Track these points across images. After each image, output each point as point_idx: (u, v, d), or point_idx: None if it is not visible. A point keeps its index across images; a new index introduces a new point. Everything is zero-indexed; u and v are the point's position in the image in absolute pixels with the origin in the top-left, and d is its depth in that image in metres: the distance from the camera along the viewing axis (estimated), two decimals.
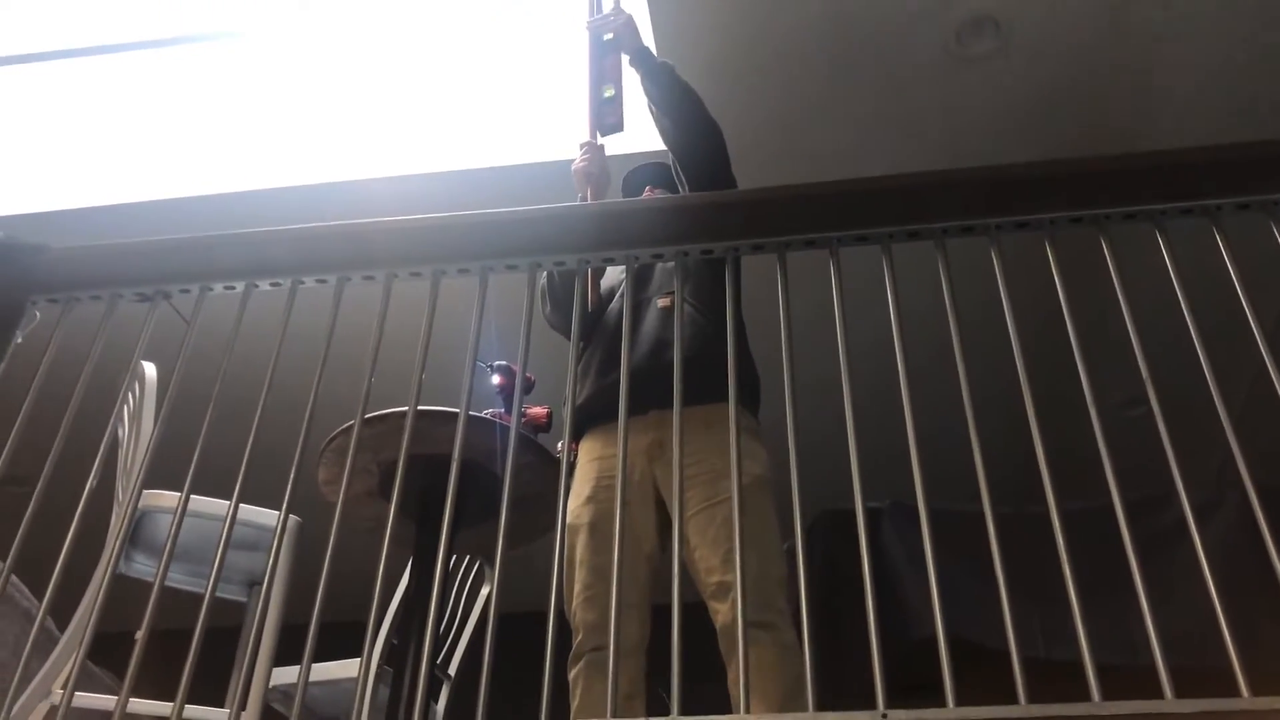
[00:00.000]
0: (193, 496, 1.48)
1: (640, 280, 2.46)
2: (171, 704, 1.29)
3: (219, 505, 1.60)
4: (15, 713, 1.94)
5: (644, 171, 2.74)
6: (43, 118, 3.93)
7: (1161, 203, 1.47)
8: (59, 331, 1.60)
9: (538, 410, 2.57)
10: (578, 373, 2.39)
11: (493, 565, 1.43)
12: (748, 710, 1.23)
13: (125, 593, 1.66)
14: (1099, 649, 1.16)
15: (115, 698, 1.33)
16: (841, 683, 2.15)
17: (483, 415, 2.45)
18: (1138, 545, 1.23)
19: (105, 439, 1.57)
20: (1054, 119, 3.70)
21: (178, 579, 2.37)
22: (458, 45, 3.64)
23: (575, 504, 2.27)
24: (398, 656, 2.41)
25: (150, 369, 2.24)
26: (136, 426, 2.24)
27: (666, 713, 1.19)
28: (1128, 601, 1.18)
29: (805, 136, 3.81)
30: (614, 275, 2.58)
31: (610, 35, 2.59)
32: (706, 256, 1.61)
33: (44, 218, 3.99)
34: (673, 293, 2.04)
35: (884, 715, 1.13)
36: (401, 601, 2.76)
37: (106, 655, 2.09)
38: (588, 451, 2.34)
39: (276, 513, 1.44)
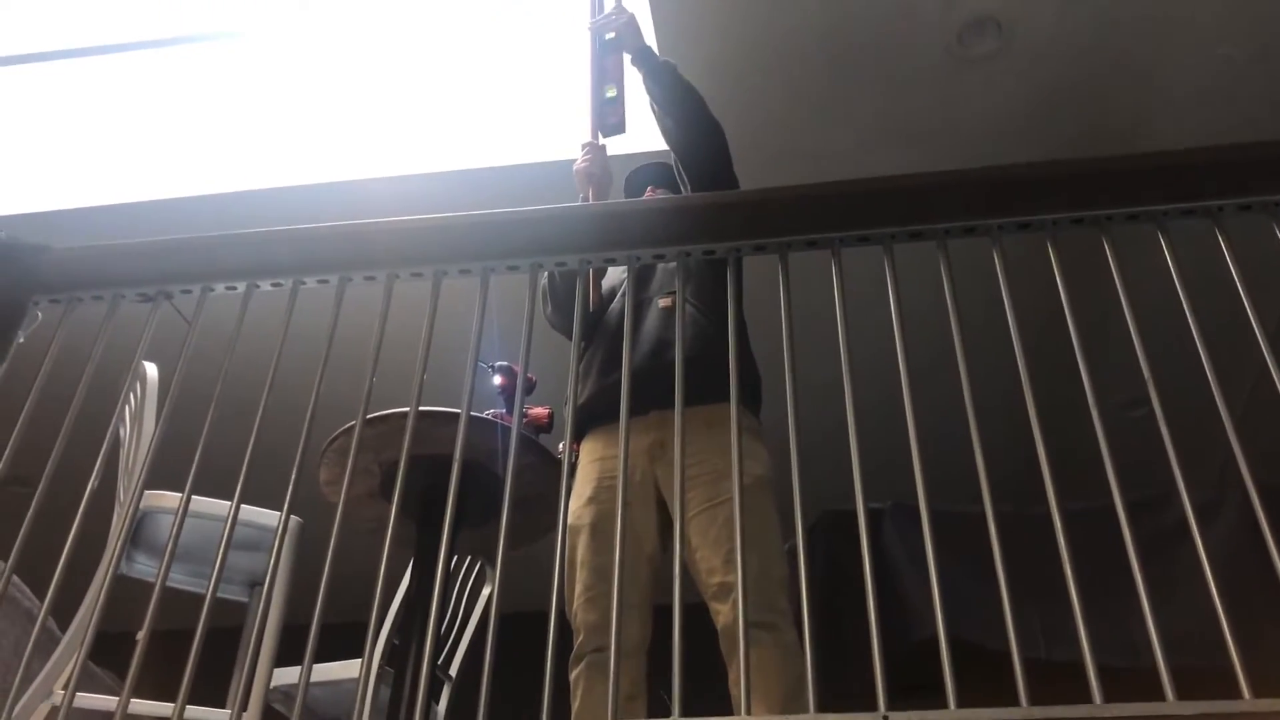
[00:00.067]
0: (194, 497, 1.48)
1: (641, 280, 2.46)
2: (173, 704, 1.29)
3: (220, 506, 1.60)
4: (17, 713, 1.94)
5: (646, 172, 2.74)
6: (44, 118, 3.93)
7: (1163, 203, 1.47)
8: (61, 332, 1.60)
9: (539, 411, 2.57)
10: (579, 373, 2.39)
11: (494, 566, 1.43)
12: (749, 711, 1.23)
13: (126, 593, 1.67)
14: (1100, 650, 1.16)
15: (116, 698, 1.33)
16: (842, 683, 2.15)
17: (484, 416, 2.45)
18: (1139, 546, 1.23)
19: (107, 439, 1.57)
20: (1055, 119, 3.70)
21: (179, 579, 2.37)
22: (458, 45, 3.64)
23: (576, 505, 2.27)
24: (399, 657, 2.41)
25: (152, 369, 2.24)
26: (138, 427, 2.24)
27: (668, 714, 1.19)
28: (1129, 603, 1.17)
29: (807, 136, 3.81)
30: (615, 275, 2.58)
31: (612, 34, 2.59)
32: (708, 257, 1.61)
33: (46, 218, 3.99)
34: (674, 292, 2.05)
35: (885, 716, 1.13)
36: (403, 602, 2.76)
37: (108, 656, 2.10)
38: (589, 452, 2.34)
39: (278, 513, 1.44)
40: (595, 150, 2.55)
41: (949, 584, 1.23)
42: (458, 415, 1.47)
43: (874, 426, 1.45)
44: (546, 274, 2.54)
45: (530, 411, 2.55)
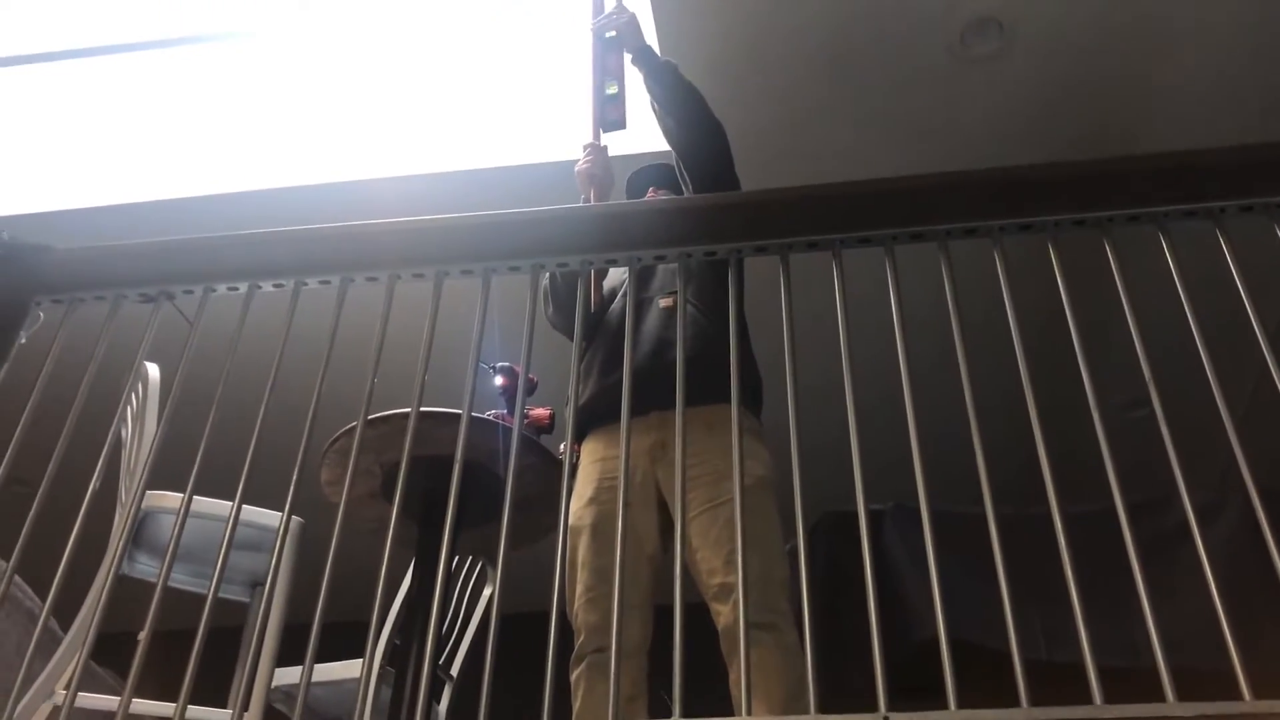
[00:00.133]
0: (195, 497, 1.48)
1: (642, 280, 2.46)
2: (174, 704, 1.30)
3: (222, 506, 1.60)
4: (19, 713, 1.94)
5: (648, 172, 2.75)
6: (47, 118, 3.93)
7: (1165, 205, 1.47)
8: (63, 332, 1.60)
9: (540, 411, 2.57)
10: (580, 373, 2.39)
11: (495, 566, 1.43)
12: (749, 712, 1.22)
13: (128, 593, 1.67)
14: (1101, 651, 1.16)
15: (118, 698, 1.33)
16: (843, 684, 2.15)
17: (485, 417, 2.45)
18: (1140, 547, 1.23)
19: (108, 440, 1.57)
20: (1057, 120, 3.70)
21: (180, 579, 2.38)
22: (461, 46, 3.64)
23: (577, 505, 2.27)
24: (400, 657, 2.41)
25: (153, 370, 2.25)
26: (140, 427, 2.24)
27: (668, 714, 1.19)
28: (1130, 604, 1.17)
29: (808, 137, 3.81)
30: (616, 276, 2.58)
31: (613, 33, 2.59)
32: (710, 258, 1.61)
33: (48, 218, 3.99)
34: (675, 293, 2.05)
35: (886, 717, 1.13)
36: (404, 602, 2.77)
37: (109, 656, 2.10)
38: (590, 453, 2.34)
39: (279, 514, 1.44)
40: (597, 151, 2.55)
41: (950, 585, 1.23)
42: (459, 416, 1.47)
43: (875, 428, 1.45)
44: (548, 275, 2.54)
45: (531, 412, 2.55)
